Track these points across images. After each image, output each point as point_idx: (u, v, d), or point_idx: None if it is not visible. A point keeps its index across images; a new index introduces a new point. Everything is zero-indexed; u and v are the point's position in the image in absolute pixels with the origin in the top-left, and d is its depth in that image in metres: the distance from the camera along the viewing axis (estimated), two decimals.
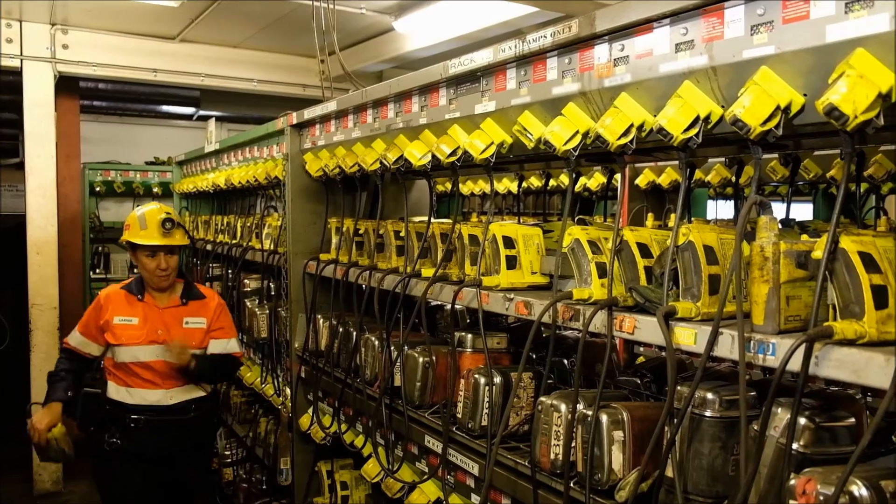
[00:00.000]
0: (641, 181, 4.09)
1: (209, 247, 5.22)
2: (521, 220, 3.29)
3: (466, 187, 5.82)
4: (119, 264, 7.62)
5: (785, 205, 2.83)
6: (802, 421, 1.45)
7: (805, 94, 1.37)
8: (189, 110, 8.66)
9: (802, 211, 4.99)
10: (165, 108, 8.72)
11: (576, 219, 2.76)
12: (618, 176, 3.81)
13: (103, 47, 5.98)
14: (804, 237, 1.56)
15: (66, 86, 6.15)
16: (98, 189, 7.29)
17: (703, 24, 1.50)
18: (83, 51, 5.90)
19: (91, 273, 7.26)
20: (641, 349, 3.47)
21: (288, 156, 3.64)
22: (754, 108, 1.36)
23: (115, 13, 5.56)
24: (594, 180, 4.33)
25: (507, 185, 5.27)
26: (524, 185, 4.76)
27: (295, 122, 3.58)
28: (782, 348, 1.34)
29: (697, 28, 1.51)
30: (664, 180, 4.00)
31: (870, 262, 1.32)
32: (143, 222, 3.49)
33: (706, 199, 4.92)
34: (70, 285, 6.14)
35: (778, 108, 1.37)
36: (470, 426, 2.33)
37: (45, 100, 5.74)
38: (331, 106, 3.17)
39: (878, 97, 1.20)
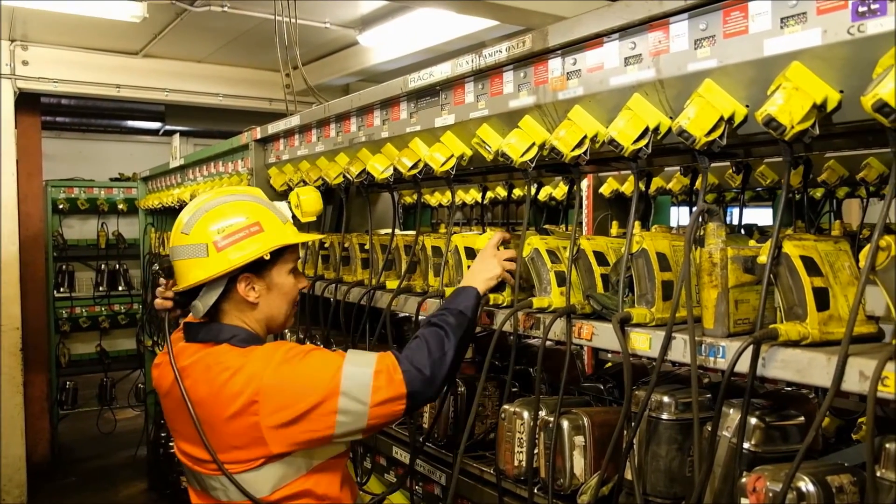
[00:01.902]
0: (605, 190, 4.15)
1: None
2: (487, 230, 3.32)
3: (435, 198, 5.85)
4: (84, 283, 7.51)
5: (754, 210, 2.90)
6: (753, 421, 1.50)
7: (747, 105, 1.42)
8: (154, 125, 8.61)
9: (767, 216, 5.11)
10: (130, 123, 8.66)
11: (541, 227, 2.80)
12: (581, 185, 3.87)
13: (65, 63, 5.92)
14: (752, 242, 1.62)
15: (27, 102, 6.08)
16: (61, 206, 7.19)
17: (649, 38, 1.55)
18: (44, 67, 5.83)
19: (55, 292, 7.15)
20: (609, 355, 3.52)
21: (253, 170, 3.63)
22: (699, 119, 1.40)
23: (77, 29, 5.51)
24: (559, 189, 4.39)
25: (474, 195, 5.31)
26: (491, 195, 4.81)
27: (259, 136, 3.58)
28: (731, 351, 1.39)
29: (645, 42, 1.56)
30: (627, 189, 4.06)
31: (811, 266, 1.37)
32: (280, 212, 2.01)
33: (669, 205, 5.01)
34: (33, 305, 6.05)
35: (722, 118, 1.41)
36: (436, 436, 2.35)
37: (5, 117, 5.66)
38: (294, 120, 3.18)
39: (814, 108, 1.25)
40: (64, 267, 7.33)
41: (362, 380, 1.73)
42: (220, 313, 1.92)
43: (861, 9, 1.16)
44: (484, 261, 2.03)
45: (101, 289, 7.43)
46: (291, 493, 1.79)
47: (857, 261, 1.39)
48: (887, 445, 1.28)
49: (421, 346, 1.82)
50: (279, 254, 1.91)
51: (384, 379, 1.73)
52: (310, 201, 2.17)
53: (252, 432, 1.73)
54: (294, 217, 2.10)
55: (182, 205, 4.97)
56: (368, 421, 1.74)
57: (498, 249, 2.06)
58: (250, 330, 1.92)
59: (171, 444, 5.02)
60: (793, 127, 1.25)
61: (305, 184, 3.03)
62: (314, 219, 2.15)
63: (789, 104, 1.24)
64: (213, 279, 1.85)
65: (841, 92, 1.26)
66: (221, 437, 1.78)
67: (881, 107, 1.08)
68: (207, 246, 1.86)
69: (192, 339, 1.92)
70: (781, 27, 1.29)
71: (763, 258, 1.38)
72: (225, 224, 1.88)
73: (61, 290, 7.26)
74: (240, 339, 1.86)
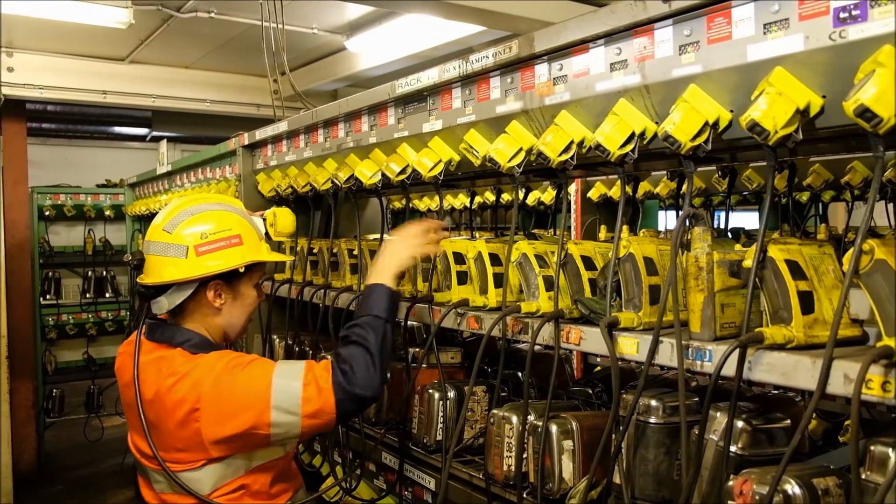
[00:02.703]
0: (593, 194, 4.16)
1: None
2: (476, 235, 3.33)
3: (424, 203, 5.85)
4: (71, 290, 7.45)
5: (745, 214, 2.91)
6: (740, 424, 1.50)
7: (732, 111, 1.43)
8: (142, 131, 8.56)
9: (754, 220, 5.14)
10: (117, 129, 8.61)
11: (529, 232, 2.81)
12: (570, 189, 3.88)
13: (51, 70, 5.88)
14: (738, 246, 1.63)
15: (13, 109, 6.04)
16: (48, 213, 7.13)
17: (635, 44, 1.55)
18: (29, 73, 5.79)
19: (41, 299, 7.09)
20: (598, 359, 3.53)
21: (241, 176, 3.63)
22: (684, 124, 1.41)
23: (63, 35, 5.48)
24: (547, 194, 4.40)
25: (463, 200, 5.32)
26: (481, 199, 4.81)
27: (247, 142, 3.58)
28: (718, 354, 1.39)
29: (630, 48, 1.57)
30: (615, 193, 4.07)
31: (796, 270, 1.38)
32: (258, 227, 2.11)
33: (657, 210, 5.03)
34: (19, 313, 6.01)
35: (707, 123, 1.42)
36: (425, 441, 2.34)
37: None
38: (282, 126, 3.17)
39: (797, 113, 1.26)
40: (50, 274, 7.27)
41: (291, 392, 1.79)
42: (183, 313, 1.97)
43: (842, 15, 1.18)
44: (390, 250, 2.02)
45: (88, 296, 7.37)
46: (229, 490, 1.87)
47: (841, 264, 1.41)
48: (872, 448, 1.29)
49: (347, 369, 1.81)
50: (250, 268, 1.99)
51: (313, 390, 1.79)
52: (285, 222, 2.25)
53: (194, 437, 1.81)
54: (266, 234, 2.19)
55: None
56: (302, 429, 1.82)
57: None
58: (206, 335, 1.96)
59: None
60: (776, 132, 1.26)
61: (294, 190, 3.03)
62: (284, 239, 2.21)
63: (773, 109, 1.26)
64: (186, 281, 1.91)
65: (823, 97, 1.27)
66: (166, 438, 1.85)
67: (863, 112, 1.09)
68: (188, 248, 1.91)
69: (150, 338, 1.97)
70: (764, 33, 1.31)
71: (748, 262, 1.39)
72: (209, 231, 1.94)
73: (48, 297, 7.20)
74: (192, 344, 1.91)
